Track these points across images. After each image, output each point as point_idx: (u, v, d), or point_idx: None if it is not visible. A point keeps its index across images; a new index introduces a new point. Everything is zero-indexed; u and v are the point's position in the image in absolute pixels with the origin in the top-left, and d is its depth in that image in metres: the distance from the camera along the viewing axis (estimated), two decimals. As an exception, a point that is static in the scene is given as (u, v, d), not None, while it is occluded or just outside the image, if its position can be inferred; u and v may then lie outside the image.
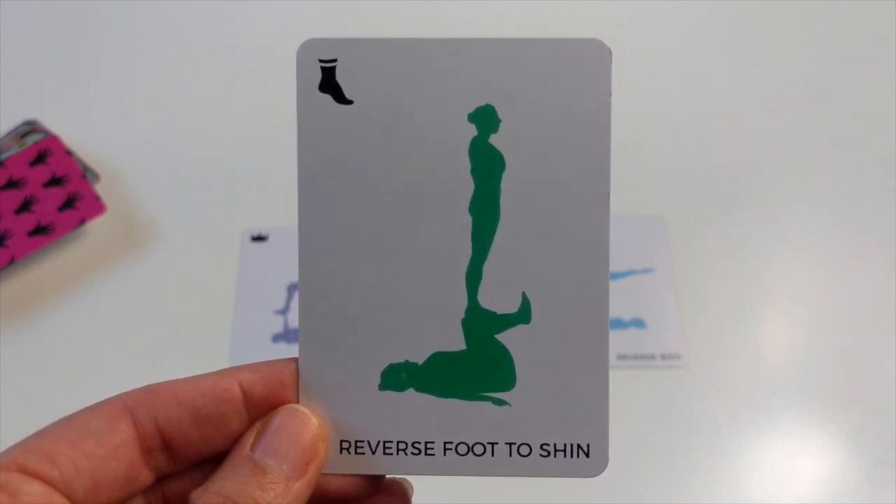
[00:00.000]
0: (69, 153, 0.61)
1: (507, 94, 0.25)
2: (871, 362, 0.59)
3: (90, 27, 0.74)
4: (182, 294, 0.61)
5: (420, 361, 0.26)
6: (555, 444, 0.27)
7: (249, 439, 0.26)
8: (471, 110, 0.25)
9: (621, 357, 0.59)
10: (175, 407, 0.26)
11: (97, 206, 0.61)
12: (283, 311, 0.60)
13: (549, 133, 0.25)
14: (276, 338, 0.59)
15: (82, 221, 0.61)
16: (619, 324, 0.60)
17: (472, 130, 0.25)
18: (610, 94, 0.26)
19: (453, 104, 0.25)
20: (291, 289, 0.61)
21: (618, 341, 0.59)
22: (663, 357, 0.59)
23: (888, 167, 0.67)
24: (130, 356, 0.58)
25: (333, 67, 0.25)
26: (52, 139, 0.61)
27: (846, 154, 0.68)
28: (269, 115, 0.70)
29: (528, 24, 0.75)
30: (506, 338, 0.25)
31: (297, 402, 0.27)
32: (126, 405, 0.27)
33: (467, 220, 0.25)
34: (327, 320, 0.26)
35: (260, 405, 0.27)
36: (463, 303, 0.25)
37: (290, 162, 0.71)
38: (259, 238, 0.63)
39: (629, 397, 0.57)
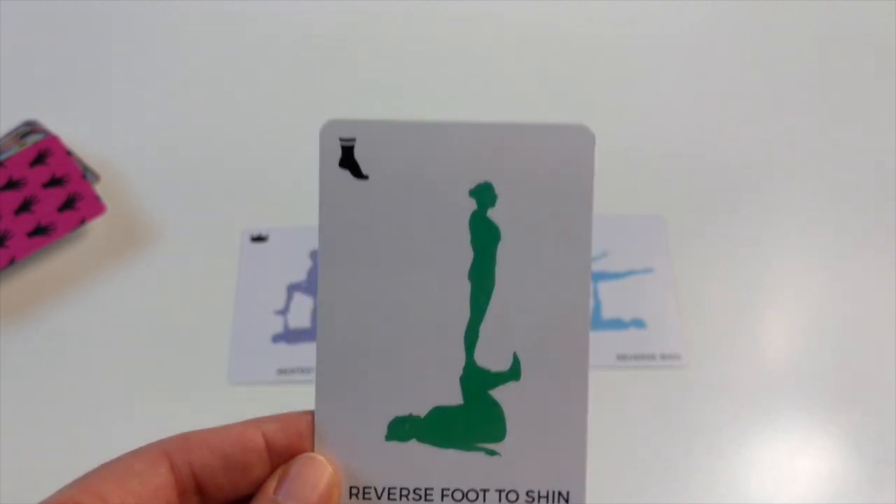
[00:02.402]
0: (69, 153, 0.61)
1: (503, 173, 0.28)
2: (871, 362, 0.59)
3: (90, 27, 0.74)
4: (182, 294, 0.61)
5: (422, 414, 0.28)
6: (539, 492, 0.28)
7: (272, 484, 0.29)
8: (472, 187, 0.28)
9: (621, 357, 0.59)
10: (207, 454, 0.30)
11: (97, 207, 0.61)
12: (283, 311, 0.60)
13: (539, 209, 0.28)
14: (276, 338, 0.59)
15: (82, 222, 0.61)
16: (619, 324, 0.60)
17: (472, 205, 0.28)
18: (592, 174, 0.29)
19: (456, 181, 0.28)
20: (291, 289, 0.61)
21: (618, 341, 0.59)
22: (663, 357, 0.59)
23: (888, 167, 0.67)
24: (130, 356, 0.58)
25: (352, 147, 0.28)
26: (52, 139, 0.61)
27: (846, 154, 0.68)
28: (269, 116, 0.70)
29: (528, 23, 0.75)
30: (498, 393, 0.28)
31: (314, 450, 0.30)
32: (164, 451, 0.30)
33: (466, 287, 0.28)
34: (341, 377, 0.29)
35: (281, 453, 0.30)
36: (461, 361, 0.28)
37: (290, 162, 0.71)
38: (259, 238, 0.63)
39: (629, 397, 0.57)
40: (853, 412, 0.57)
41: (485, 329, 0.28)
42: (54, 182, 0.60)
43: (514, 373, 0.28)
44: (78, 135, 0.66)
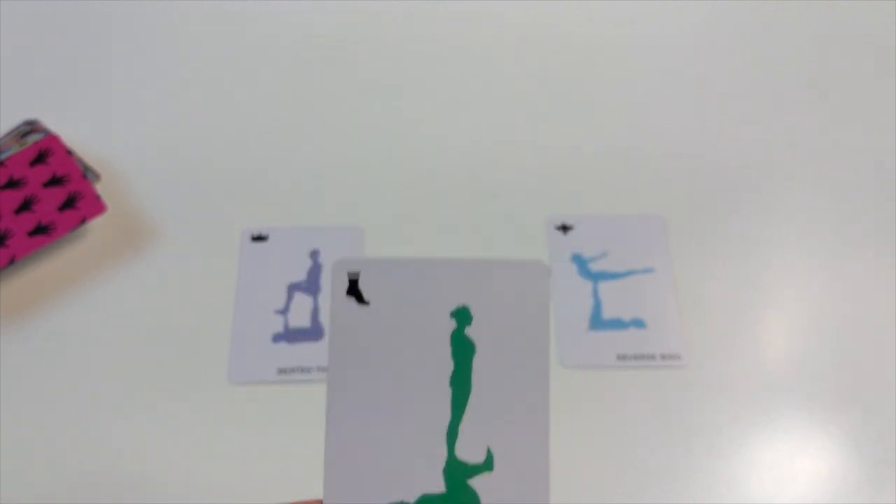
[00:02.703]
0: (69, 153, 0.61)
1: (478, 298, 0.34)
2: (871, 362, 0.59)
3: (90, 27, 0.74)
4: (182, 294, 0.61)
5: (412, 502, 0.33)
6: None
7: None
8: (452, 309, 0.34)
9: (621, 357, 0.59)
10: None
11: (97, 206, 0.61)
12: (283, 311, 0.60)
13: (507, 327, 0.34)
14: (277, 337, 0.59)
15: (83, 221, 0.61)
16: (619, 324, 0.60)
17: (453, 324, 0.34)
18: (549, 298, 0.34)
19: (440, 305, 0.34)
20: (291, 288, 0.61)
21: (618, 341, 0.59)
22: (663, 357, 0.59)
23: (888, 167, 0.67)
24: (130, 356, 0.58)
25: (357, 279, 0.34)
26: (53, 139, 0.61)
27: (846, 154, 0.68)
28: (269, 116, 0.70)
29: (528, 23, 0.75)
30: (475, 482, 0.34)
31: None
32: None
33: (448, 392, 0.34)
34: (346, 470, 0.34)
35: None
36: (444, 456, 0.34)
37: (290, 162, 0.71)
38: (259, 238, 0.63)
39: (629, 397, 0.57)
40: (853, 412, 0.57)
41: (463, 428, 0.34)
42: (55, 181, 0.60)
43: (487, 464, 0.34)
44: (78, 134, 0.66)
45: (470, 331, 0.34)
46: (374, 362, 0.34)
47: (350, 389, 0.34)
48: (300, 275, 0.62)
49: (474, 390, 0.33)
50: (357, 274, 0.33)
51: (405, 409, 0.33)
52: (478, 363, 0.34)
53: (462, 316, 0.34)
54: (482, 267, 0.34)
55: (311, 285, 0.61)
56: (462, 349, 0.34)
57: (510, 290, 0.33)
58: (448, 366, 0.34)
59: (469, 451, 0.34)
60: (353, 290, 0.34)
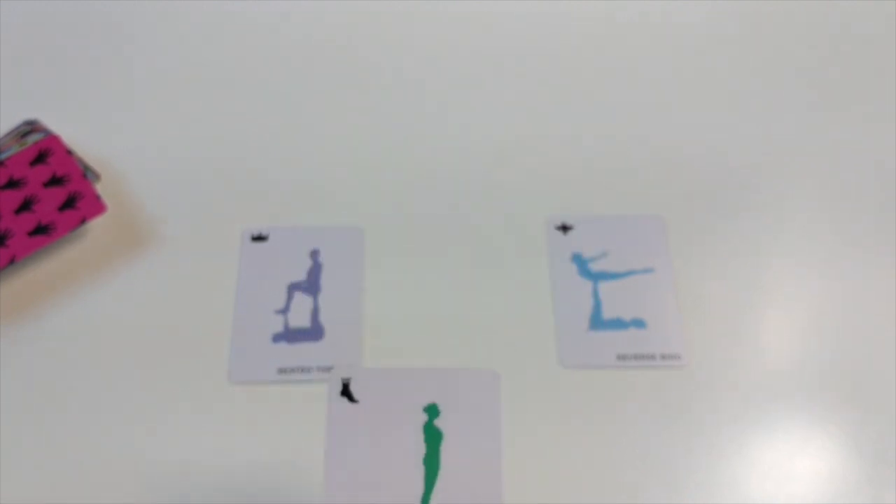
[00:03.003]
0: (69, 153, 0.61)
1: (444, 397, 0.42)
2: (870, 362, 0.59)
3: (90, 27, 0.74)
4: (182, 293, 0.61)
5: None
6: None
7: None
8: (424, 405, 0.42)
9: (621, 357, 0.59)
10: None
11: (98, 206, 0.61)
12: (283, 311, 0.60)
13: (467, 420, 0.42)
14: (277, 337, 0.59)
15: (83, 221, 0.61)
16: (619, 324, 0.60)
17: (424, 417, 0.42)
18: (499, 397, 0.42)
19: (413, 402, 0.42)
20: (291, 288, 0.61)
21: (618, 341, 0.59)
22: (663, 357, 0.59)
23: (888, 167, 0.67)
24: (130, 356, 0.58)
25: (349, 383, 0.42)
26: (53, 139, 0.61)
27: (846, 154, 0.68)
28: (269, 115, 0.70)
29: (528, 24, 0.75)
30: None
31: None
32: None
33: (421, 470, 0.42)
34: None
35: None
36: None
37: (290, 162, 0.71)
38: (259, 238, 0.63)
39: (629, 397, 0.57)
40: (853, 412, 0.57)
41: (434, 497, 0.41)
42: (55, 181, 0.60)
43: None
44: (78, 134, 0.66)
45: (438, 422, 0.42)
46: (363, 446, 0.42)
47: (343, 468, 0.42)
48: (300, 275, 0.62)
49: (442, 469, 0.42)
50: (349, 379, 0.42)
51: (387, 483, 0.42)
52: (444, 447, 0.42)
53: (432, 411, 0.43)
54: (447, 373, 0.42)
55: (311, 285, 0.61)
56: (432, 437, 0.42)
57: (469, 390, 0.42)
58: (421, 449, 0.42)
59: None
60: (346, 391, 0.42)
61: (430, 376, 0.43)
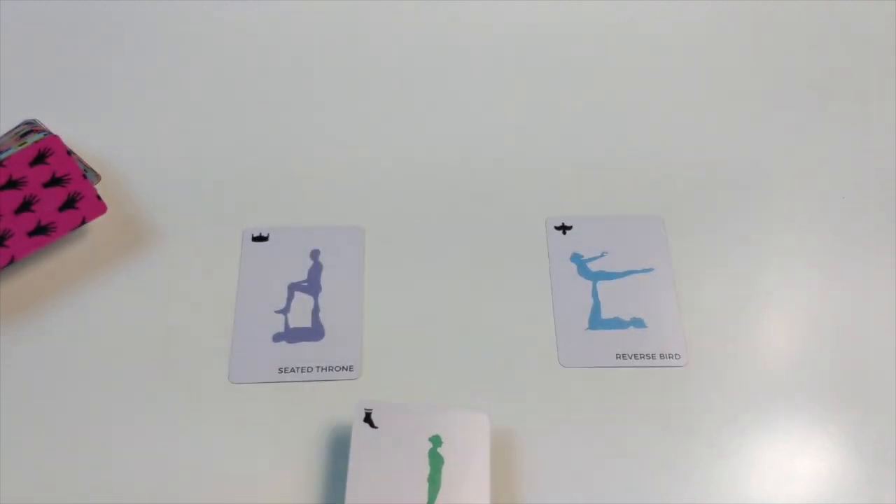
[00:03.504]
0: (69, 153, 0.61)
1: (446, 429, 0.53)
2: (870, 362, 0.59)
3: (90, 27, 0.74)
4: (183, 294, 0.61)
5: None
6: None
7: None
8: (430, 436, 0.53)
9: (621, 357, 0.59)
10: None
11: (98, 206, 0.61)
12: (284, 311, 0.60)
13: (463, 450, 0.53)
14: (277, 337, 0.59)
15: (83, 221, 0.61)
16: (619, 324, 0.60)
17: (429, 445, 0.53)
18: (489, 432, 0.53)
19: (422, 432, 0.53)
20: (292, 288, 0.61)
21: (617, 341, 0.59)
22: (663, 357, 0.59)
23: (888, 167, 0.67)
24: (130, 356, 0.58)
25: (370, 413, 0.53)
26: (53, 139, 0.61)
27: (846, 154, 0.68)
28: (269, 116, 0.70)
29: (528, 24, 0.75)
30: None
31: None
32: None
33: (426, 486, 0.51)
34: None
35: None
36: None
37: (290, 162, 0.71)
38: (259, 238, 0.63)
39: (629, 397, 0.57)
40: (853, 412, 0.57)
41: None
42: (55, 181, 0.60)
43: None
44: (78, 134, 0.66)
45: (441, 450, 0.52)
46: (379, 465, 0.52)
47: (363, 481, 0.51)
48: (301, 274, 0.62)
49: (442, 487, 0.51)
50: (371, 410, 0.53)
51: (397, 496, 0.51)
52: (445, 470, 0.52)
53: (435, 440, 0.53)
54: (450, 411, 0.53)
55: (311, 285, 0.61)
56: (435, 461, 0.52)
57: (467, 426, 0.53)
58: (426, 470, 0.52)
59: None
60: (368, 419, 0.53)
61: (436, 412, 0.53)
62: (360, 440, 0.52)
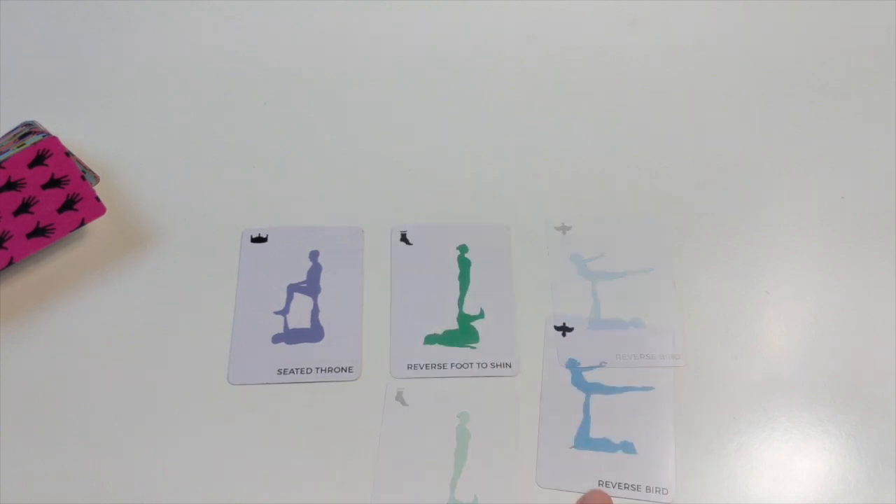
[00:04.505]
0: (68, 154, 0.61)
1: (471, 241, 0.59)
2: (870, 362, 0.59)
3: (90, 27, 0.74)
4: (182, 294, 0.61)
5: None
6: None
7: None
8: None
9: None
10: None
11: (97, 207, 0.61)
12: (283, 312, 0.60)
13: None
14: (277, 338, 0.59)
15: (82, 222, 0.61)
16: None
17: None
18: (509, 244, 0.60)
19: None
20: (291, 289, 0.61)
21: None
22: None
23: (888, 167, 0.67)
24: (130, 356, 0.58)
25: (405, 233, 0.62)
26: (52, 140, 0.61)
27: (845, 154, 0.68)
28: (268, 116, 0.70)
29: (528, 24, 0.75)
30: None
31: None
32: None
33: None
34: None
35: None
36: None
37: (290, 162, 0.71)
38: (259, 238, 0.63)
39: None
40: (853, 412, 0.57)
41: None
42: (54, 183, 0.60)
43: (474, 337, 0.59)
44: (77, 136, 0.66)
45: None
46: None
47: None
48: (300, 275, 0.62)
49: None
50: (406, 231, 0.60)
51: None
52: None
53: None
54: (473, 227, 0.58)
55: (311, 286, 0.61)
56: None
57: (487, 236, 0.58)
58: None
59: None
60: (404, 238, 0.60)
61: (462, 227, 0.60)
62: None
